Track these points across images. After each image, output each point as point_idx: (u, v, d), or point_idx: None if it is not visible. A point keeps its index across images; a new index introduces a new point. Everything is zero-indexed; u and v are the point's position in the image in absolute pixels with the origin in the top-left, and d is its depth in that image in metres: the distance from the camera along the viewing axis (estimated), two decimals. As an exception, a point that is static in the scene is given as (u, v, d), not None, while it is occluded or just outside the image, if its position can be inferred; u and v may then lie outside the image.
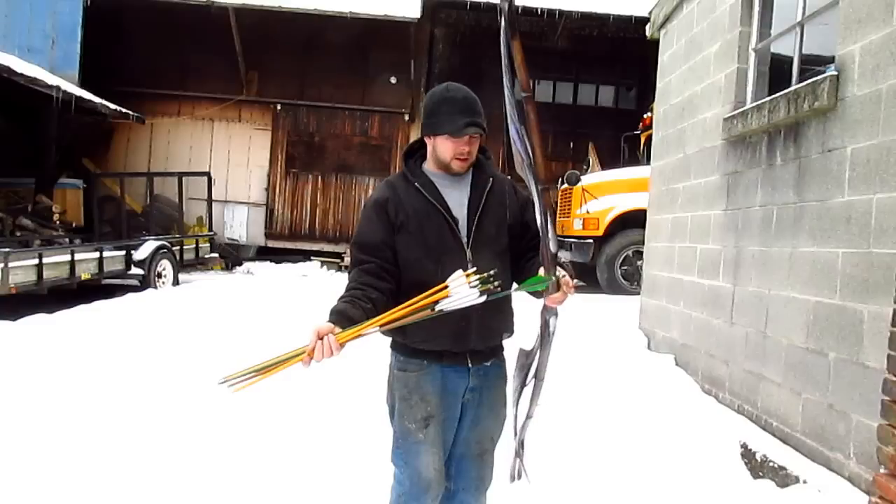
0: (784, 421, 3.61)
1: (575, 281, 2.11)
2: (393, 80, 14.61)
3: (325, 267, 14.17)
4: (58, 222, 11.16)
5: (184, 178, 12.50)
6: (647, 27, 6.64)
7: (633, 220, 9.05)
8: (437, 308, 1.94)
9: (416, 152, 2.30)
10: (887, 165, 2.89)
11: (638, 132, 10.52)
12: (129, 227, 11.79)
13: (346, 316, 1.95)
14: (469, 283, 1.92)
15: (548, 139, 14.80)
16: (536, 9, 13.06)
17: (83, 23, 12.97)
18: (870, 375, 2.87)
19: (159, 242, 10.29)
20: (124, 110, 12.40)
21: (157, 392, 4.44)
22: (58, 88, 10.23)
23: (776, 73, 4.34)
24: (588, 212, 9.81)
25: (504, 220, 2.22)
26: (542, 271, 2.00)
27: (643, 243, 6.69)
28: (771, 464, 3.36)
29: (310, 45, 14.20)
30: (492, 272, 1.93)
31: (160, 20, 13.55)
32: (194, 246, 11.75)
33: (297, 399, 4.36)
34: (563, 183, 10.67)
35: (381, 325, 1.96)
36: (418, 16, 13.18)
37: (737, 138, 4.38)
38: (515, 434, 2.27)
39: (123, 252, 9.70)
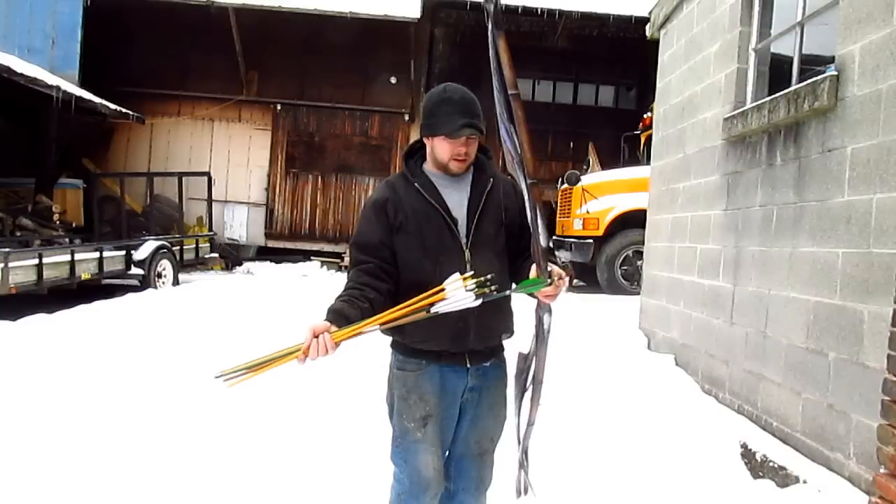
0: (784, 421, 3.61)
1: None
2: (393, 80, 14.62)
3: (325, 267, 14.18)
4: (58, 222, 11.16)
5: (184, 178, 12.51)
6: (647, 27, 6.64)
7: (633, 220, 9.05)
8: (433, 310, 1.94)
9: (417, 153, 2.30)
10: (887, 165, 2.89)
11: (638, 132, 10.52)
12: (129, 227, 11.79)
13: (343, 315, 1.96)
14: (465, 286, 1.92)
15: (548, 139, 14.82)
16: (536, 9, 13.07)
17: (83, 23, 12.98)
18: (870, 375, 2.87)
19: (159, 242, 10.29)
20: (124, 110, 12.40)
21: (157, 392, 4.44)
22: (58, 88, 10.23)
23: (776, 73, 4.34)
24: (588, 212, 9.81)
25: (503, 222, 2.22)
26: (534, 269, 2.00)
27: (643, 243, 6.69)
28: (771, 464, 3.36)
29: (310, 45, 14.20)
30: (489, 276, 1.93)
31: (160, 20, 13.56)
32: (194, 246, 11.75)
33: (297, 398, 4.36)
34: (563, 183, 10.66)
35: (377, 325, 1.97)
36: (418, 16, 13.18)
37: (737, 138, 4.38)
38: (519, 443, 2.26)
39: (123, 252, 9.71)
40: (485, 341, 2.22)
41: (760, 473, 3.43)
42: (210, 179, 12.74)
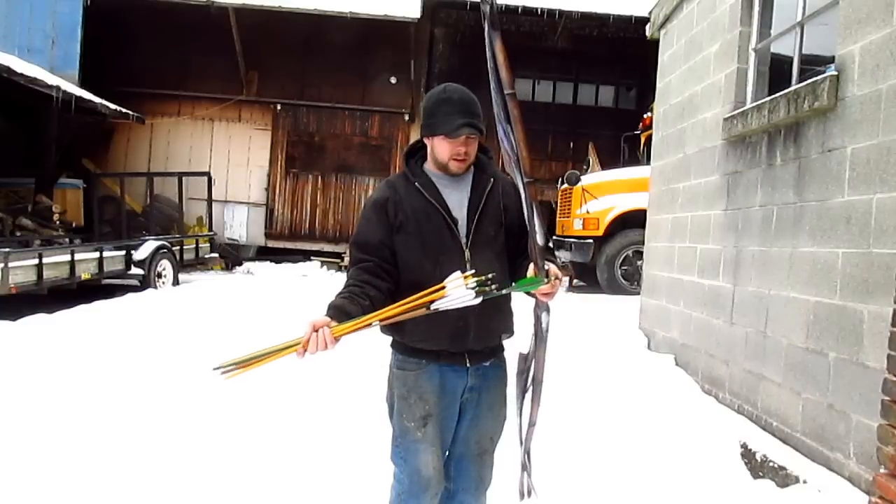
0: (784, 421, 3.61)
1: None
2: (393, 80, 14.62)
3: (325, 267, 14.18)
4: (58, 222, 11.17)
5: (184, 178, 12.51)
6: (647, 27, 6.64)
7: (633, 220, 9.05)
8: (433, 307, 1.94)
9: (418, 152, 2.30)
10: (887, 165, 2.89)
11: (638, 132, 10.51)
12: (129, 227, 11.80)
13: (343, 311, 1.96)
14: (466, 284, 1.92)
15: (548, 139, 14.82)
16: (536, 9, 13.07)
17: (83, 23, 12.99)
18: (870, 375, 2.87)
19: (159, 242, 10.29)
20: (124, 110, 12.41)
21: (157, 391, 4.44)
22: (58, 88, 10.23)
23: (776, 73, 4.34)
24: (588, 212, 9.81)
25: (502, 222, 2.22)
26: (531, 268, 2.00)
27: (643, 243, 6.69)
28: (771, 464, 3.36)
29: (310, 45, 14.21)
30: (490, 275, 1.94)
31: (160, 20, 13.57)
32: (194, 246, 11.76)
33: (297, 398, 4.36)
34: (563, 183, 10.66)
35: (377, 321, 1.97)
36: (418, 16, 13.18)
37: (737, 138, 4.38)
38: (521, 444, 2.27)
39: (123, 252, 9.71)
40: (484, 341, 2.22)
41: (760, 473, 3.43)
42: (210, 179, 12.74)
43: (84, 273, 8.75)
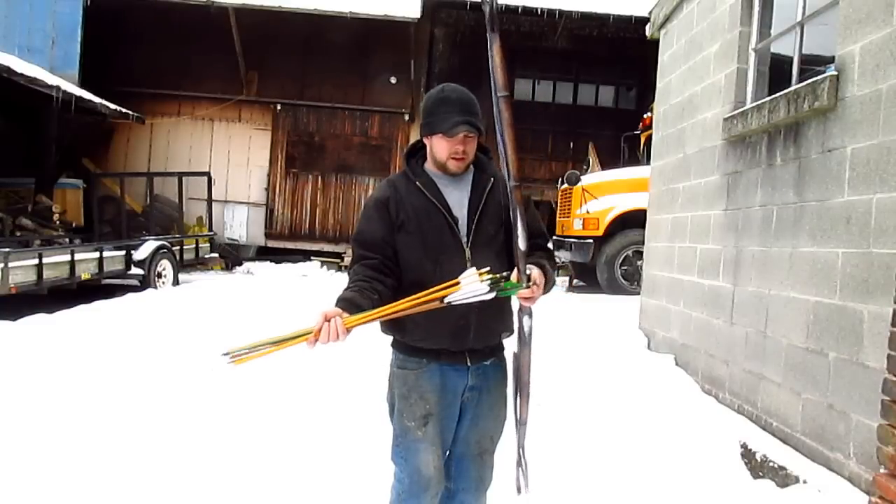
0: (784, 421, 3.61)
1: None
2: (393, 80, 14.62)
3: (325, 267, 14.18)
4: (58, 222, 11.17)
5: (184, 178, 12.51)
6: (647, 27, 6.64)
7: (633, 220, 9.05)
8: (447, 300, 1.94)
9: (418, 152, 2.30)
10: (887, 165, 2.89)
11: (638, 132, 10.52)
12: (129, 227, 11.80)
13: (355, 304, 1.96)
14: (482, 279, 1.92)
15: (548, 139, 14.83)
16: (536, 9, 13.06)
17: (83, 23, 12.98)
18: (870, 375, 2.87)
19: (159, 242, 10.29)
20: (124, 110, 12.41)
21: (157, 391, 4.44)
22: (58, 88, 10.23)
23: (776, 73, 4.34)
24: (588, 212, 9.81)
25: (503, 221, 2.22)
26: (514, 273, 2.02)
27: (643, 243, 6.69)
28: (771, 464, 3.37)
29: (310, 45, 14.21)
30: (504, 274, 1.95)
31: (160, 20, 13.57)
32: (194, 246, 11.75)
33: (297, 398, 4.37)
34: (563, 183, 10.67)
35: (389, 314, 1.96)
36: (418, 16, 13.18)
37: (737, 138, 4.38)
38: (516, 442, 2.27)
39: (123, 252, 9.71)
40: (485, 340, 2.22)
41: (760, 473, 3.43)
42: (210, 179, 12.74)
43: (84, 273, 8.75)
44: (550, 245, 2.38)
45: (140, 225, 12.27)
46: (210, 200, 12.85)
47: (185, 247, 11.31)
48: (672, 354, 5.29)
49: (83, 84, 12.47)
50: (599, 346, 5.69)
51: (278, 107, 14.82)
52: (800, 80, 3.78)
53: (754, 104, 4.18)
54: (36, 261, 7.89)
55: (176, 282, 10.47)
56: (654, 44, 6.44)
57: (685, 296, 5.15)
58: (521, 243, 2.01)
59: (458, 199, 2.20)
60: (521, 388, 2.21)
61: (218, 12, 13.13)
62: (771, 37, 4.36)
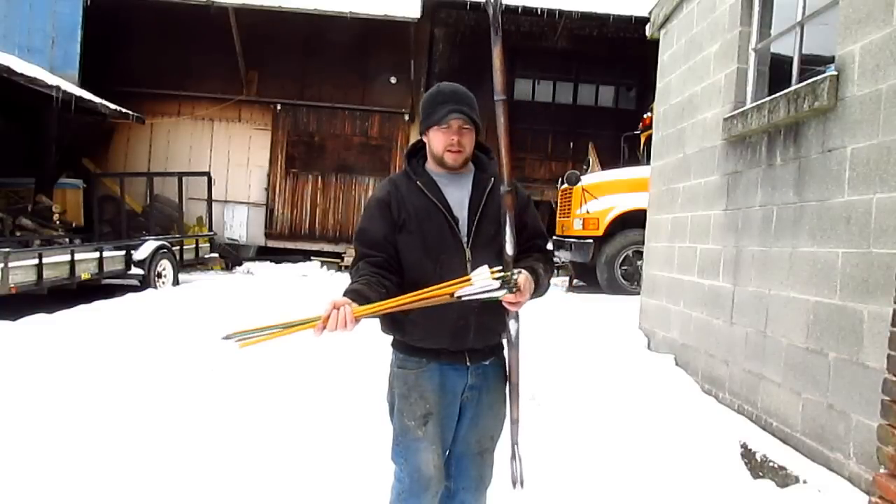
0: (784, 421, 3.61)
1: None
2: (393, 80, 14.62)
3: (325, 267, 14.18)
4: (58, 222, 11.17)
5: (184, 178, 12.51)
6: (647, 27, 6.64)
7: (633, 220, 9.05)
8: (457, 294, 1.93)
9: (419, 152, 2.31)
10: (887, 165, 2.89)
11: (638, 132, 10.52)
12: (129, 227, 11.81)
13: (363, 295, 1.95)
14: (493, 276, 1.92)
15: (548, 139, 14.83)
16: (536, 9, 13.06)
17: (83, 23, 12.98)
18: (870, 375, 2.87)
19: (159, 242, 10.29)
20: (124, 110, 12.41)
21: (158, 391, 4.44)
22: (58, 88, 10.23)
23: (776, 73, 4.34)
24: (588, 212, 9.81)
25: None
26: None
27: (643, 243, 6.69)
28: (771, 464, 3.37)
29: (310, 45, 14.21)
30: (515, 272, 1.96)
31: (160, 20, 13.57)
32: (194, 246, 11.75)
33: (297, 397, 4.37)
34: (563, 183, 10.67)
35: (398, 306, 1.95)
36: (418, 16, 13.18)
37: (737, 138, 4.38)
38: (511, 438, 2.28)
39: (123, 252, 9.71)
40: (484, 340, 2.23)
41: (760, 473, 3.43)
42: (210, 179, 12.74)
43: (84, 273, 8.75)
44: (550, 245, 2.38)
45: (140, 225, 12.27)
46: (210, 200, 12.85)
47: (185, 247, 11.31)
48: (672, 354, 5.29)
49: (83, 84, 12.47)
50: (599, 346, 5.69)
51: (278, 107, 14.83)
52: (800, 80, 3.78)
53: (754, 104, 4.18)
54: (36, 261, 7.89)
55: (176, 282, 10.47)
56: (654, 44, 6.44)
57: (685, 296, 5.15)
58: (509, 248, 2.04)
59: (458, 199, 2.20)
60: (511, 388, 2.23)
61: (218, 12, 13.14)
62: (771, 37, 4.36)
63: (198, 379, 4.70)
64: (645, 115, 10.05)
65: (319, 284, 10.19)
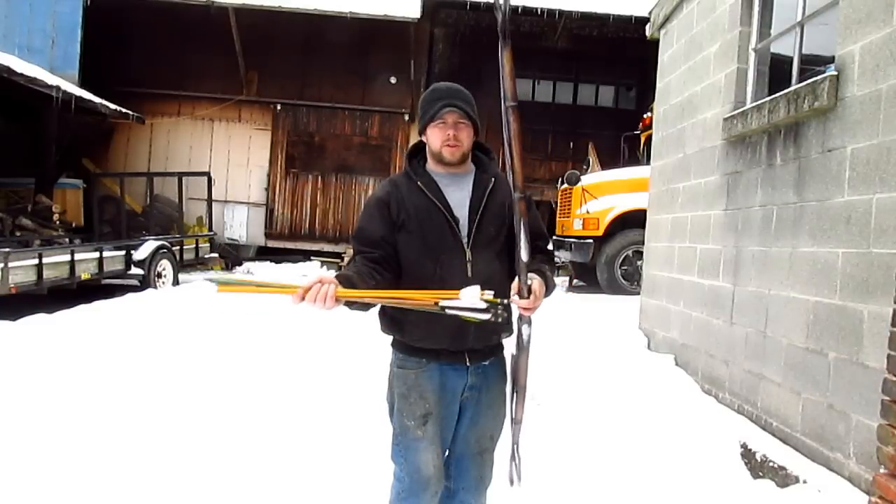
0: (784, 421, 3.61)
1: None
2: (393, 79, 14.63)
3: (325, 267, 14.17)
4: (58, 222, 11.16)
5: (184, 178, 12.51)
6: (647, 27, 6.64)
7: (633, 220, 9.05)
8: (441, 304, 1.93)
9: (420, 153, 2.31)
10: (887, 165, 2.89)
11: (638, 132, 10.52)
12: (129, 227, 11.80)
13: (351, 281, 1.97)
14: (482, 297, 1.91)
15: (548, 139, 14.84)
16: (536, 9, 13.07)
17: (83, 23, 12.99)
18: (870, 375, 2.87)
19: (159, 242, 10.29)
20: (124, 110, 12.41)
21: (157, 391, 4.44)
22: (58, 88, 10.24)
23: (776, 73, 4.34)
24: (588, 212, 9.81)
25: (504, 221, 2.22)
26: (515, 284, 2.01)
27: (643, 243, 6.69)
28: (771, 464, 3.37)
29: (310, 45, 14.21)
30: (504, 301, 1.94)
31: (160, 20, 13.57)
32: (194, 246, 11.75)
33: (297, 397, 4.37)
34: (563, 183, 10.67)
35: (382, 299, 1.97)
36: (418, 16, 13.18)
37: (737, 138, 4.38)
38: (511, 438, 2.28)
39: (123, 252, 9.70)
40: (484, 340, 2.22)
41: (760, 473, 3.43)
42: (210, 179, 12.74)
43: (84, 273, 8.74)
44: (550, 246, 2.38)
45: (140, 225, 12.27)
46: (210, 200, 12.85)
47: (185, 247, 11.31)
48: (672, 354, 5.29)
49: (83, 84, 12.47)
50: (599, 346, 5.69)
51: (278, 107, 14.83)
52: (800, 80, 3.78)
53: (754, 104, 4.18)
54: (36, 261, 7.88)
55: (176, 282, 10.47)
56: (654, 44, 6.44)
57: (685, 296, 5.15)
58: (524, 255, 2.00)
59: (459, 199, 2.20)
60: (518, 390, 2.22)
61: (218, 12, 13.14)
62: (771, 37, 4.36)
63: (198, 379, 4.70)
64: (645, 115, 10.06)
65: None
